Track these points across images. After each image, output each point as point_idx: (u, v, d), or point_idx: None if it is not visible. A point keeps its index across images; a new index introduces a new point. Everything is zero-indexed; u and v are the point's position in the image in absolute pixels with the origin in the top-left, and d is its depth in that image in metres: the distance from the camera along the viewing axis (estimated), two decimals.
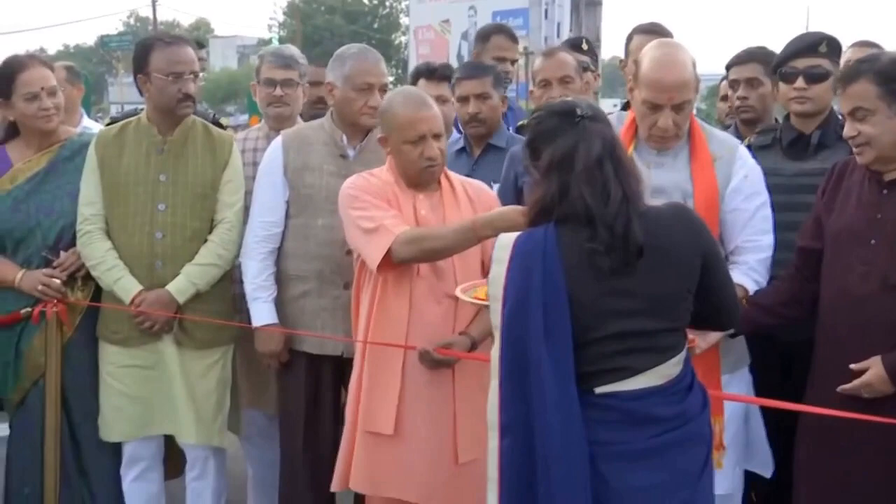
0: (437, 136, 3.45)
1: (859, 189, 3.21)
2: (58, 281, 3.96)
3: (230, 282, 4.09)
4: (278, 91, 4.38)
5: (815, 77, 3.74)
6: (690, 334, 2.81)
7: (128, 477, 4.12)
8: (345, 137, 3.93)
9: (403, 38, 50.55)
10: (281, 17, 57.67)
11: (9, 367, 4.05)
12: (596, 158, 2.56)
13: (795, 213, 3.47)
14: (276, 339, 3.90)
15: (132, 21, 66.54)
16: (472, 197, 3.56)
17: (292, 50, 4.66)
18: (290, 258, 3.93)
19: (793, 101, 3.79)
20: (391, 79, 5.56)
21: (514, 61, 5.29)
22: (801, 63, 3.76)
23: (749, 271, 3.37)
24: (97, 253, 3.93)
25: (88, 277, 4.03)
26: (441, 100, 4.15)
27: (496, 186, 3.96)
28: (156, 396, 3.97)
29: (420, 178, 3.48)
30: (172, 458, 4.27)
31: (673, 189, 3.27)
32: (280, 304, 3.93)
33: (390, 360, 3.43)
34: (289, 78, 4.41)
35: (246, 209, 4.02)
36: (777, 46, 4.05)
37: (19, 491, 4.08)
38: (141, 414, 4.00)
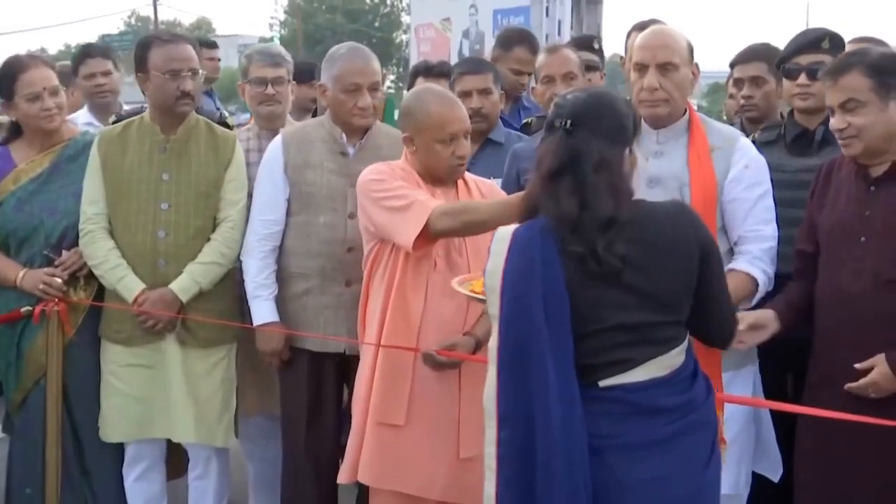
0: (466, 135, 3.47)
1: (848, 186, 3.21)
2: (59, 280, 3.96)
3: (233, 281, 4.08)
4: (270, 90, 4.37)
5: (817, 73, 3.73)
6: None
7: (130, 477, 4.12)
8: (344, 135, 3.92)
9: (404, 37, 50.54)
10: (282, 16, 57.75)
11: (10, 367, 4.06)
12: (550, 172, 2.59)
13: (799, 209, 3.46)
14: (276, 338, 3.89)
15: (133, 21, 66.59)
16: (485, 195, 3.56)
17: (279, 48, 4.67)
18: (291, 256, 3.92)
19: (796, 97, 3.79)
20: (392, 77, 5.57)
21: (530, 73, 5.23)
22: (804, 59, 3.75)
23: (754, 260, 3.36)
24: (100, 252, 3.92)
25: (91, 277, 4.03)
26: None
27: (496, 182, 3.95)
28: (156, 398, 3.97)
29: (447, 176, 3.48)
30: (175, 458, 4.27)
31: (670, 179, 3.27)
32: (282, 301, 3.93)
33: (401, 357, 3.43)
34: (279, 76, 4.41)
35: (248, 207, 4.01)
36: (777, 43, 4.05)
37: (21, 491, 4.09)
38: (142, 415, 4.00)
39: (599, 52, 5.14)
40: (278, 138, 4.02)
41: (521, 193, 3.01)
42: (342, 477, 3.61)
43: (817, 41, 3.79)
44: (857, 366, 3.02)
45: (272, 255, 3.93)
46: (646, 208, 2.63)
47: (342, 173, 3.88)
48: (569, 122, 2.60)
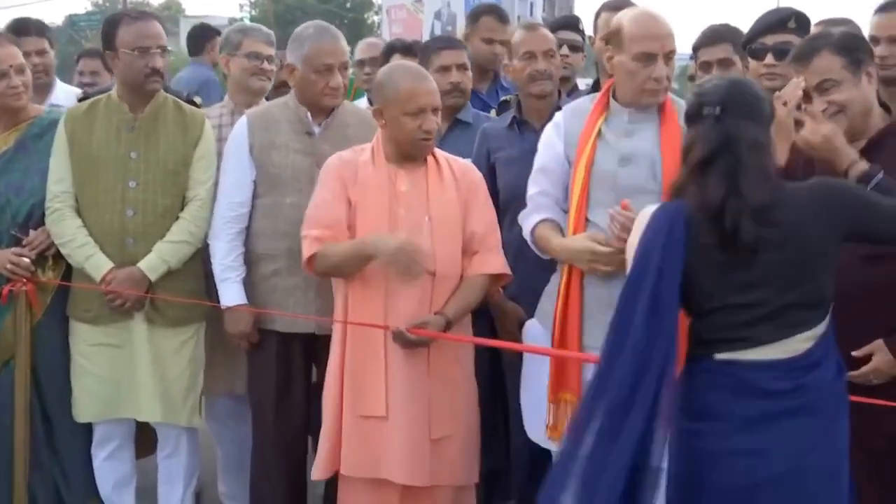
0: (435, 110, 3.48)
1: (821, 166, 3.23)
2: (27, 260, 3.93)
3: (202, 260, 4.07)
4: (266, 65, 4.43)
5: (784, 53, 3.74)
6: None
7: (99, 456, 4.11)
8: (309, 115, 3.92)
9: (376, 18, 50.30)
10: None
11: None
12: (703, 159, 2.65)
13: None
14: (245, 320, 3.88)
15: (101, 0, 65.82)
16: (457, 175, 3.57)
17: (270, 31, 4.69)
18: (259, 237, 3.91)
19: (763, 77, 3.81)
20: (365, 57, 5.54)
21: (503, 42, 5.24)
22: (771, 39, 3.78)
23: None
24: (67, 230, 3.90)
25: (59, 257, 4.00)
26: None
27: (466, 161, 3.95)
28: (124, 377, 3.96)
29: (413, 151, 3.50)
30: (145, 436, 4.26)
31: (642, 158, 3.28)
32: (251, 283, 3.92)
33: (372, 340, 3.45)
34: (271, 54, 4.47)
35: (216, 185, 4.00)
36: (744, 25, 4.06)
37: None
38: (110, 395, 3.98)
39: (582, 32, 5.16)
40: (243, 119, 4.01)
41: (370, 237, 3.33)
42: (320, 474, 3.62)
43: (784, 21, 3.81)
44: (854, 353, 3.02)
45: (239, 237, 3.93)
46: (787, 194, 2.68)
47: (308, 153, 3.88)
48: (718, 108, 2.67)
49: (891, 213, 2.73)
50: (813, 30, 4.19)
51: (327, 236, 3.50)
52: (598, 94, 3.51)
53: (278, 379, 3.92)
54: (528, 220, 3.50)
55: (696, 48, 4.22)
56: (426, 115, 3.44)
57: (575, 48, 4.89)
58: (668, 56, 3.29)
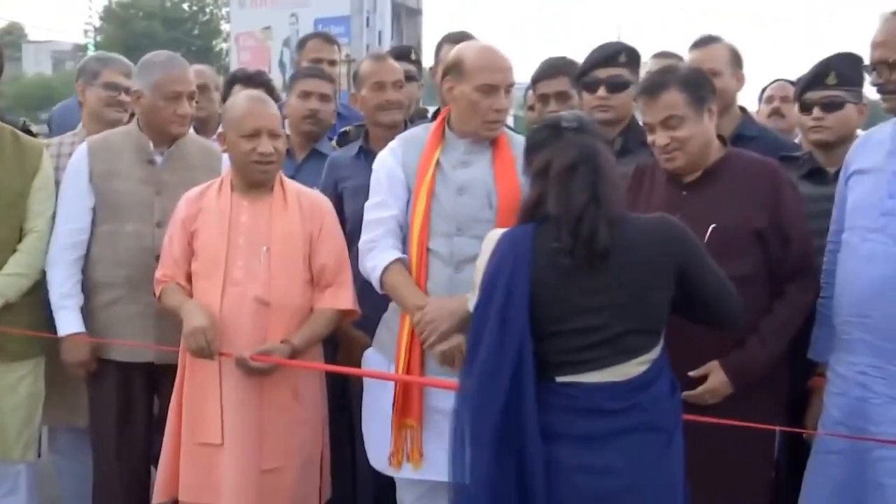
0: (272, 135, 3.50)
1: (660, 190, 3.37)
2: None
3: (40, 293, 3.98)
4: (123, 97, 4.36)
5: (616, 86, 3.91)
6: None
7: None
8: (151, 144, 3.90)
9: (224, 45, 49.80)
10: (97, 22, 55.92)
11: None
12: (567, 166, 2.77)
13: None
14: (83, 349, 3.83)
15: None
16: (304, 207, 3.58)
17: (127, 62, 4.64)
18: (98, 265, 3.86)
19: (596, 109, 3.95)
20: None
21: (331, 62, 5.33)
22: (603, 73, 3.92)
23: None
24: None
25: None
26: None
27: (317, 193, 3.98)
28: None
29: (250, 175, 3.51)
30: None
31: (478, 187, 3.34)
32: (89, 312, 3.87)
33: (207, 368, 3.45)
34: (130, 86, 4.34)
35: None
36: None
37: None
38: None
39: (417, 62, 5.25)
40: (83, 147, 3.97)
41: (185, 304, 3.43)
42: (159, 496, 3.59)
43: (614, 55, 3.97)
44: (691, 374, 3.17)
45: (77, 264, 3.87)
46: (632, 222, 2.82)
47: (149, 182, 3.86)
48: (576, 122, 2.86)
49: (717, 278, 2.89)
50: (651, 63, 4.40)
51: (167, 277, 3.57)
52: (432, 125, 3.56)
53: (119, 409, 3.87)
54: (374, 255, 3.44)
55: (535, 80, 4.34)
56: (261, 138, 3.46)
57: (410, 78, 4.98)
58: (508, 89, 3.38)
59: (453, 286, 3.27)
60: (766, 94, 5.44)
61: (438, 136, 3.46)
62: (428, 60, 5.34)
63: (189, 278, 3.57)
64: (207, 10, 58.63)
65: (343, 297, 3.58)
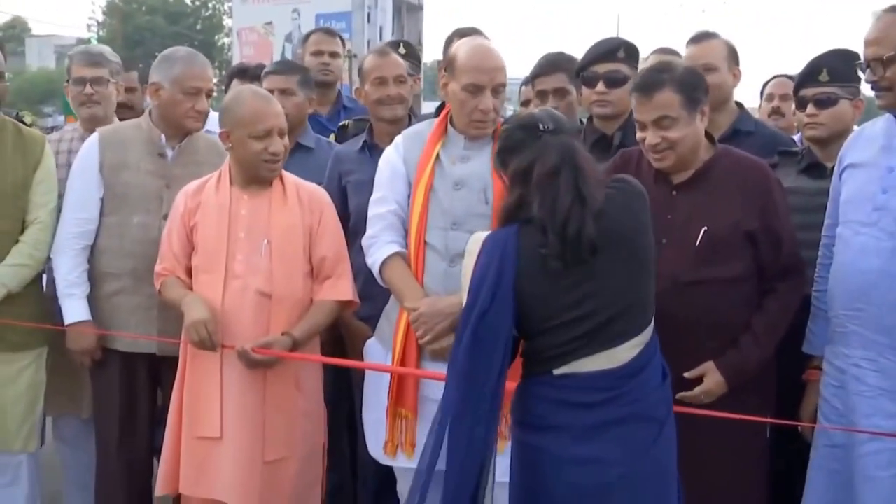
0: (282, 133, 3.53)
1: (650, 188, 3.37)
2: None
3: (41, 283, 4.02)
4: (88, 89, 4.35)
5: (614, 81, 3.93)
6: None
7: None
8: (163, 137, 3.93)
9: (226, 40, 49.74)
10: (100, 17, 55.87)
11: None
12: (550, 170, 2.75)
13: None
14: (88, 337, 3.86)
15: None
16: (303, 200, 3.61)
17: (102, 48, 4.63)
18: (104, 255, 3.90)
19: (594, 104, 3.98)
20: (215, 80, 5.55)
21: (332, 53, 5.36)
22: (602, 68, 3.94)
23: None
24: None
25: None
26: None
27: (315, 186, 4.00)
28: None
29: (260, 173, 3.53)
30: None
31: (474, 181, 3.37)
32: (94, 301, 3.90)
33: (208, 361, 3.47)
34: (98, 76, 4.38)
35: (58, 209, 3.96)
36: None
37: None
38: None
39: (409, 56, 5.25)
40: (94, 137, 4.00)
41: (186, 298, 3.46)
42: (161, 489, 3.61)
43: (613, 50, 3.99)
44: (686, 375, 3.20)
45: (84, 253, 3.91)
46: (610, 198, 2.80)
47: (159, 174, 3.89)
48: (552, 124, 2.82)
49: None
50: (652, 59, 4.41)
51: (167, 271, 3.60)
52: (436, 120, 3.59)
53: (122, 398, 3.91)
54: (374, 251, 3.51)
55: (532, 77, 4.36)
56: (272, 138, 3.49)
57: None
58: (497, 89, 3.39)
59: (448, 280, 3.31)
60: (766, 92, 5.46)
61: (440, 131, 3.49)
62: (429, 55, 5.36)
63: (189, 272, 3.60)
64: (210, 4, 58.56)
65: (342, 289, 3.60)
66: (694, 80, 3.30)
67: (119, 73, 4.52)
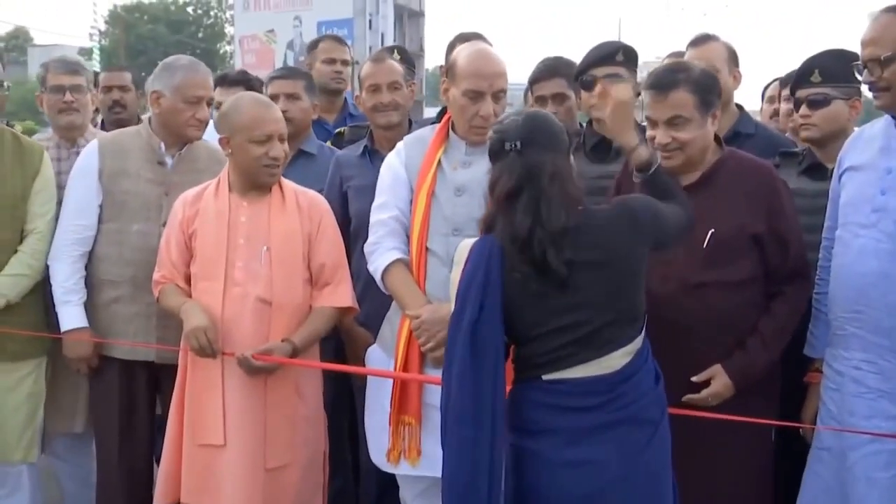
0: (282, 138, 3.53)
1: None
2: None
3: (42, 293, 4.01)
4: (68, 97, 4.31)
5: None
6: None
7: None
8: (163, 145, 3.93)
9: (229, 48, 49.91)
10: (102, 26, 56.07)
11: None
12: (508, 192, 2.74)
13: None
14: (85, 344, 3.86)
15: None
16: (302, 206, 3.60)
17: (77, 57, 4.63)
18: (102, 263, 3.89)
19: (593, 108, 3.96)
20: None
21: (344, 61, 5.37)
22: (600, 72, 3.91)
23: None
24: None
25: None
26: None
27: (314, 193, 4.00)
28: None
29: (259, 179, 3.53)
30: None
31: (475, 187, 3.34)
32: (92, 309, 3.89)
33: (209, 369, 3.46)
34: (77, 83, 4.35)
35: (56, 219, 3.96)
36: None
37: None
38: None
39: (403, 62, 5.24)
40: (94, 144, 3.99)
41: (185, 305, 3.45)
42: (160, 498, 3.60)
43: (612, 54, 3.97)
44: (694, 378, 3.19)
45: (81, 260, 3.90)
46: (591, 215, 2.80)
47: (158, 182, 3.89)
48: (518, 142, 2.77)
49: (670, 217, 2.93)
50: (666, 61, 4.40)
51: (165, 279, 3.60)
52: (438, 125, 3.58)
53: (121, 405, 3.90)
54: (376, 257, 3.50)
55: (531, 82, 4.35)
56: (272, 143, 3.49)
57: None
58: (497, 95, 3.38)
59: (450, 286, 3.30)
60: (767, 95, 5.45)
61: (442, 137, 3.49)
62: (431, 62, 5.37)
63: (187, 280, 3.59)
64: (212, 13, 58.80)
65: (342, 295, 3.60)
66: (709, 82, 3.29)
67: (92, 82, 4.50)
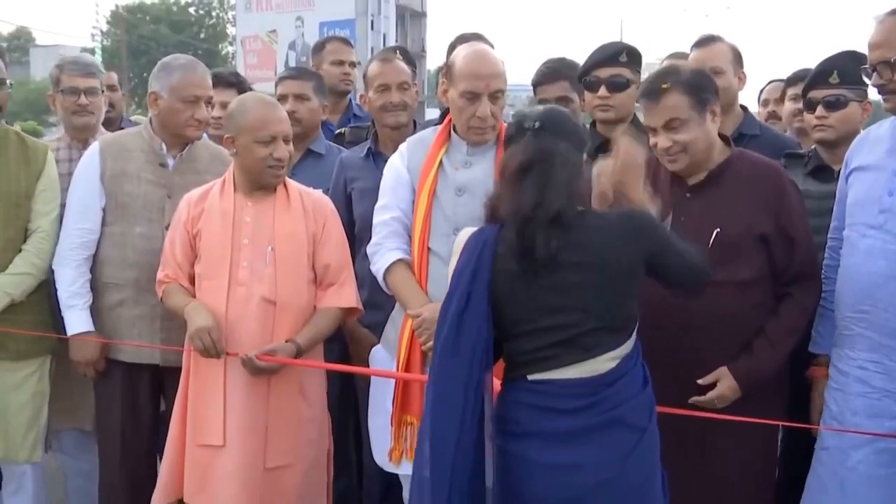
0: (287, 139, 3.53)
1: (664, 193, 3.36)
2: None
3: (47, 292, 4.00)
4: (83, 99, 4.31)
5: (616, 86, 3.93)
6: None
7: None
8: (164, 146, 3.93)
9: (230, 49, 49.92)
10: (104, 27, 56.11)
11: None
12: (518, 168, 2.73)
13: None
14: (91, 348, 3.85)
15: None
16: (307, 207, 3.60)
17: (91, 58, 4.63)
18: (106, 266, 3.89)
19: (597, 108, 3.97)
20: None
21: (352, 63, 5.38)
22: (603, 73, 3.93)
23: None
24: None
25: None
26: (223, 105, 4.23)
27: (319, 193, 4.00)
28: None
29: (264, 179, 3.53)
30: None
31: (476, 187, 3.36)
32: (96, 312, 3.89)
33: (212, 369, 3.47)
34: (92, 86, 4.35)
35: (60, 218, 3.96)
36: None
37: None
38: None
39: (405, 63, 5.24)
40: (95, 146, 3.98)
41: (188, 306, 3.45)
42: (160, 499, 3.61)
43: (615, 55, 3.98)
44: (700, 381, 3.19)
45: (86, 263, 3.90)
46: (595, 219, 2.76)
47: (160, 184, 3.88)
48: (537, 123, 2.77)
49: (679, 247, 2.84)
50: (664, 63, 4.40)
51: (169, 279, 3.60)
52: (440, 126, 3.58)
53: (125, 408, 3.90)
54: (378, 258, 3.51)
55: (534, 84, 4.35)
56: (277, 143, 3.49)
57: None
58: (494, 95, 3.37)
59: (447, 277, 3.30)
60: (762, 98, 5.46)
61: (444, 137, 3.49)
62: (434, 62, 5.37)
63: (191, 280, 3.59)
64: (214, 13, 58.84)
65: (346, 296, 3.60)
66: (701, 80, 3.28)
67: (105, 83, 4.51)
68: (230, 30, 52.15)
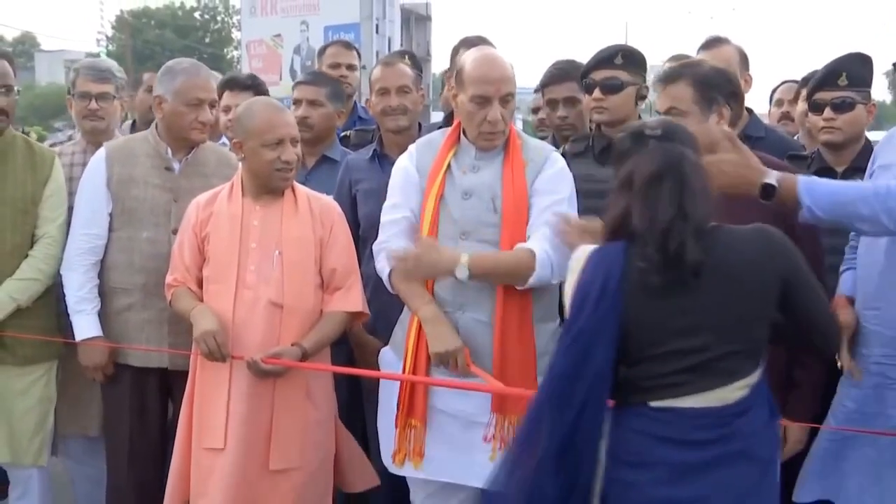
0: (294, 142, 3.53)
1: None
2: None
3: (54, 298, 4.02)
4: (93, 104, 4.33)
5: (610, 88, 3.87)
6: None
7: None
8: (170, 150, 3.94)
9: (236, 53, 49.97)
10: (109, 31, 56.19)
11: None
12: (651, 176, 2.57)
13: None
14: (100, 353, 3.86)
15: None
16: (314, 211, 3.61)
17: (109, 63, 4.63)
18: (113, 271, 3.90)
19: (593, 111, 3.94)
20: None
21: (350, 66, 5.39)
22: (598, 75, 3.89)
23: (533, 242, 3.35)
24: None
25: None
26: None
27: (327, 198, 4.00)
28: None
29: (272, 182, 3.54)
30: None
31: (483, 190, 3.37)
32: (104, 317, 3.90)
33: (217, 373, 3.48)
34: (104, 91, 4.36)
35: (67, 224, 3.97)
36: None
37: None
38: None
39: (412, 67, 5.24)
40: (101, 152, 3.99)
41: (194, 310, 3.43)
42: (169, 502, 3.61)
43: (611, 57, 3.94)
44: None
45: (94, 269, 3.90)
46: (727, 233, 2.61)
47: (166, 188, 3.89)
48: (660, 130, 2.66)
49: (821, 294, 2.67)
50: (667, 64, 4.39)
51: (178, 282, 3.60)
52: (449, 129, 3.58)
53: (133, 412, 3.91)
54: (383, 256, 3.50)
55: (543, 85, 4.35)
56: (285, 146, 3.49)
57: None
58: (504, 99, 3.36)
59: (458, 288, 3.31)
60: (775, 98, 5.44)
61: (453, 141, 3.49)
62: (439, 66, 5.37)
63: (200, 284, 3.60)
64: (218, 18, 58.88)
65: (352, 300, 3.60)
66: (715, 78, 3.26)
67: (124, 88, 4.52)
68: (235, 34, 52.20)
